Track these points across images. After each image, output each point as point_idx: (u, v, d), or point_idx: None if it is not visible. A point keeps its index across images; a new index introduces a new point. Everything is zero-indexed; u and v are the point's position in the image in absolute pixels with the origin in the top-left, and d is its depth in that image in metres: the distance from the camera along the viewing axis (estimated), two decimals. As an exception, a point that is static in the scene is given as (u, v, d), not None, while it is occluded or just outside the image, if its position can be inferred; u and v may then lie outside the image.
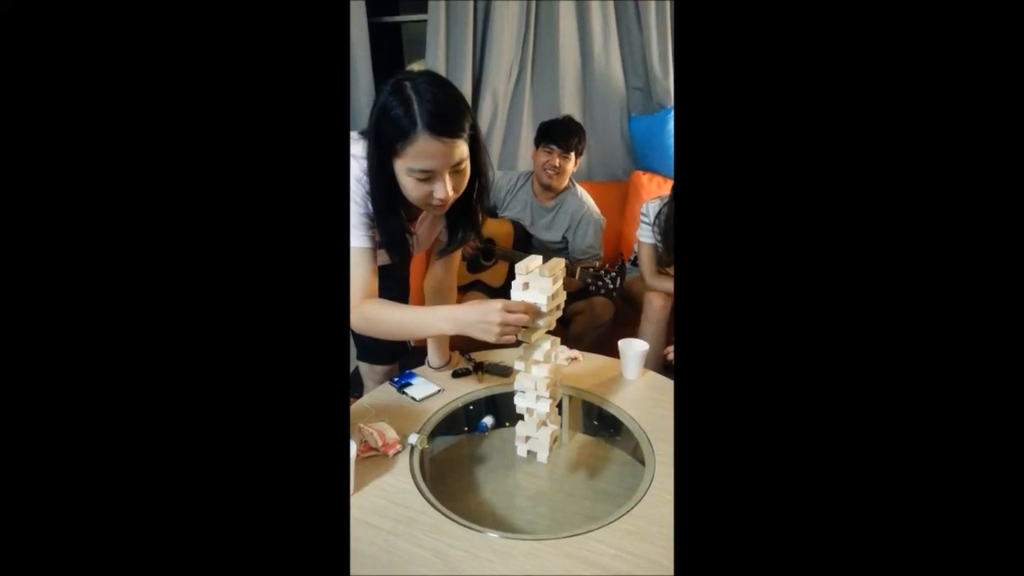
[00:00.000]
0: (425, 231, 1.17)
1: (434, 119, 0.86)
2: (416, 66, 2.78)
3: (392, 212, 0.98)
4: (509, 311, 0.88)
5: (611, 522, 0.84)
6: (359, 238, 0.99)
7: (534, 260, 0.97)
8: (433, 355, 1.31)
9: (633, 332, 1.73)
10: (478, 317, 0.89)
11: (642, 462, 1.01)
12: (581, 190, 2.10)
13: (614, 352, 1.32)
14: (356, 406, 1.17)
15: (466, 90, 2.44)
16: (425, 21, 2.41)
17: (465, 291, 2.04)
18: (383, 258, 1.08)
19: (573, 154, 2.00)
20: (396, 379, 1.25)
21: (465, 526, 0.83)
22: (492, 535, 0.82)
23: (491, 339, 0.89)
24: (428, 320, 0.97)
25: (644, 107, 2.61)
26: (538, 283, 0.92)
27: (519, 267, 0.93)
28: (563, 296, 0.99)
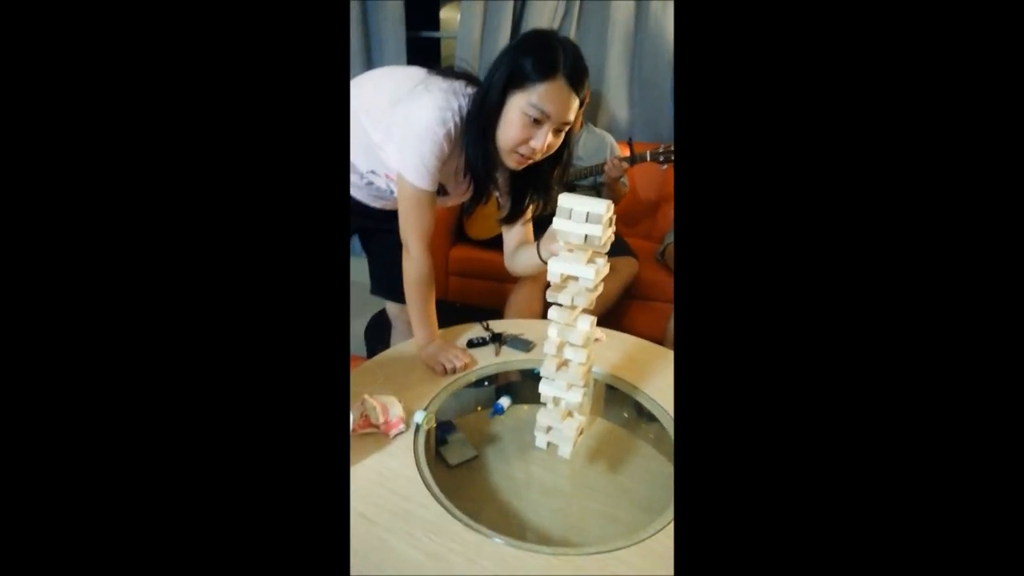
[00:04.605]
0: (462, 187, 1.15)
1: (574, 71, 0.94)
2: (451, 7, 2.62)
3: (488, 140, 1.01)
4: (453, 356, 1.09)
5: (639, 542, 0.73)
6: (430, 182, 1.02)
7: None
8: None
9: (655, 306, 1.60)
10: (432, 352, 1.10)
11: (667, 456, 0.92)
12: None
13: (624, 326, 1.20)
14: (362, 368, 1.07)
15: (505, 33, 2.29)
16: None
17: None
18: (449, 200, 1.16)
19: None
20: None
21: (470, 527, 0.73)
22: (498, 541, 0.72)
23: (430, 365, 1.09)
24: (416, 320, 1.13)
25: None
26: (585, 205, 0.79)
27: (562, 198, 0.81)
28: (607, 270, 0.87)
